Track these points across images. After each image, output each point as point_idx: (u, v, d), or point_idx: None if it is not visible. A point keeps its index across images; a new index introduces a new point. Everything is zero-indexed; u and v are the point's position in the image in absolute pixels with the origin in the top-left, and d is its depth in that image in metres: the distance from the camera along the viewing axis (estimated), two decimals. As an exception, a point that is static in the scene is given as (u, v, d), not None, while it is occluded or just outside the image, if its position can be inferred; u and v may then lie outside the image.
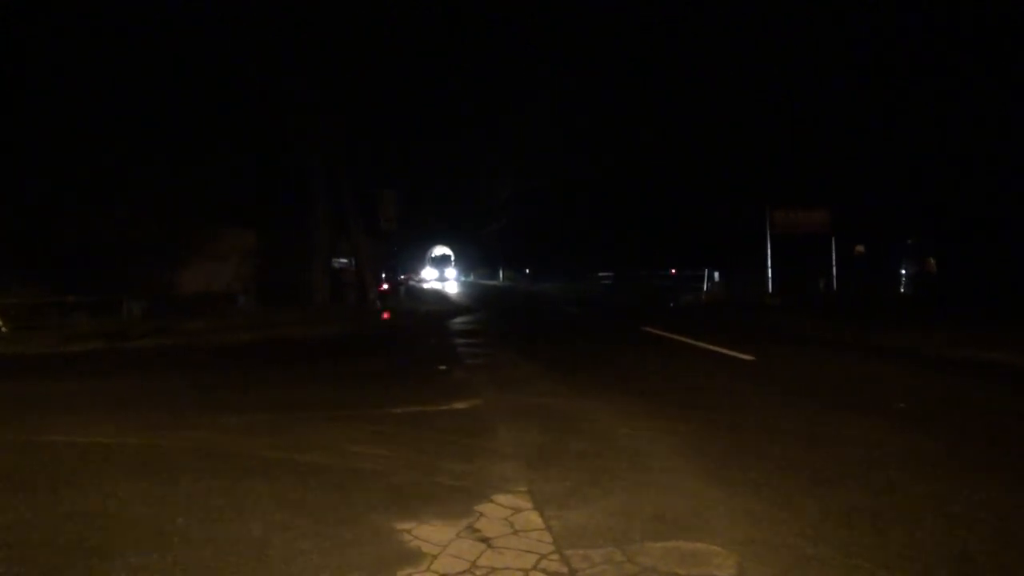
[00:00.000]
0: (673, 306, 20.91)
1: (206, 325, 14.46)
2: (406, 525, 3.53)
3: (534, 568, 3.03)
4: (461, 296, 33.90)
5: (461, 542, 3.33)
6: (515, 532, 3.44)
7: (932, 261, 18.62)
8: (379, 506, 3.81)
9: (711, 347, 10.29)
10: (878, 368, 8.52)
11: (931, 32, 18.38)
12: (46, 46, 18.33)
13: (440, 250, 74.02)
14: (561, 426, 5.63)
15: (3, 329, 14.12)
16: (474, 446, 5.04)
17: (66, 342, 11.68)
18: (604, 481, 4.18)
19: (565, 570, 3.00)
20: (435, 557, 3.15)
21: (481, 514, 3.67)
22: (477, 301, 29.05)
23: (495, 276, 68.52)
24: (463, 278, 71.71)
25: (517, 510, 3.74)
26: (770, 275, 20.71)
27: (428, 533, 3.43)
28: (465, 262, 77.05)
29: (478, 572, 3.00)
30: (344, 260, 26.97)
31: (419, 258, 69.40)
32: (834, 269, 20.36)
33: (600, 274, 46.44)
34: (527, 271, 62.68)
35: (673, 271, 30.11)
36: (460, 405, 6.47)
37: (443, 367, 8.94)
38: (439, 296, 33.23)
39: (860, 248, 19.49)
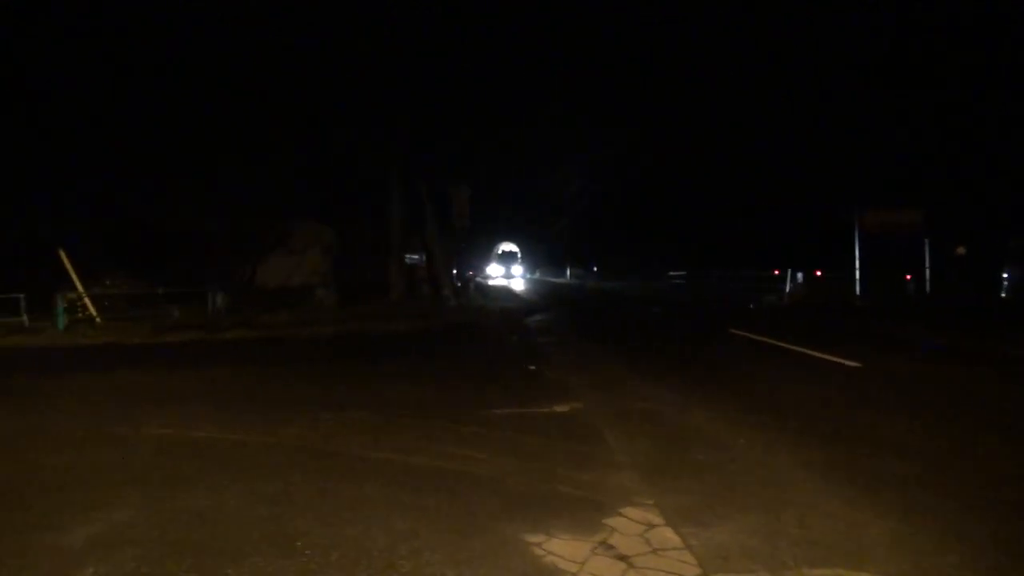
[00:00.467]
0: (754, 307, 20.25)
1: (288, 318, 14.66)
2: (536, 538, 3.34)
3: (686, 594, 2.80)
4: (530, 293, 33.72)
5: (599, 560, 3.13)
6: (653, 551, 3.22)
7: (1039, 264, 17.52)
8: (501, 515, 3.63)
9: (809, 351, 9.80)
10: (1004, 382, 7.93)
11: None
12: (134, 53, 18.96)
13: (507, 247, 74.01)
14: (670, 434, 5.37)
15: (97, 319, 14.61)
16: (584, 453, 4.82)
17: (161, 333, 11.97)
18: (734, 496, 3.91)
19: (721, 598, 2.76)
20: (575, 576, 2.96)
21: (613, 529, 3.46)
22: (548, 298, 28.85)
23: (561, 274, 68.18)
24: (529, 275, 71.60)
25: (649, 525, 3.51)
26: (858, 276, 19.84)
27: (561, 548, 3.23)
28: (531, 259, 76.91)
29: (626, 596, 2.80)
30: (415, 256, 27.15)
31: (485, 254, 69.65)
32: (927, 272, 19.38)
33: (671, 273, 45.62)
34: (594, 269, 62.16)
35: (756, 271, 29.25)
36: (560, 408, 6.27)
37: (532, 367, 8.75)
38: (508, 293, 33.12)
39: (961, 249, 18.48)
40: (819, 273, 22.43)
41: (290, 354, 10.70)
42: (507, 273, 68.30)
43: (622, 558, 3.14)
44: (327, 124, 19.94)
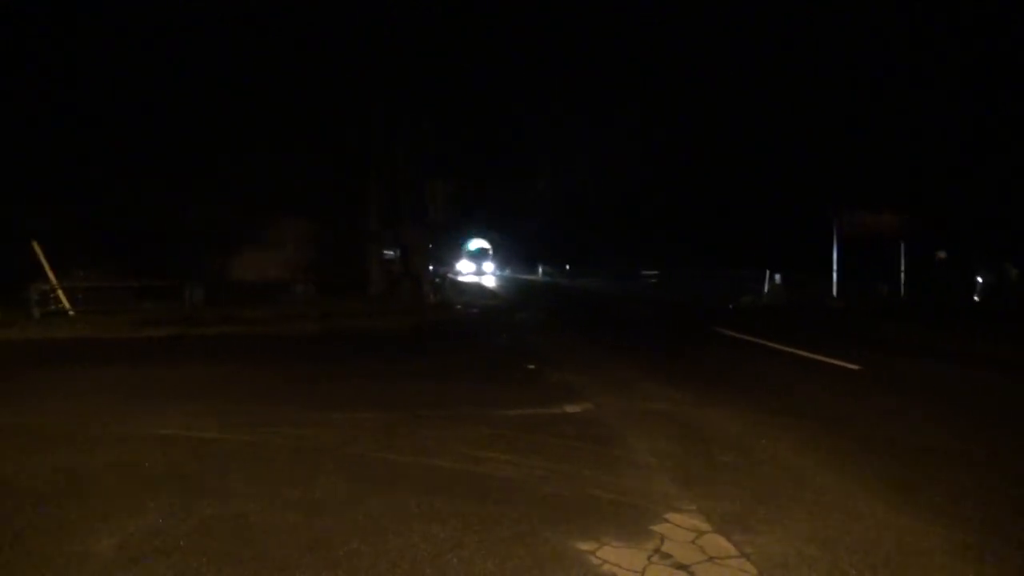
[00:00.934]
0: (733, 307, 20.39)
1: (270, 313, 14.36)
2: (587, 546, 3.24)
3: (760, 606, 2.72)
4: (505, 290, 33.59)
5: (658, 569, 3.03)
6: (710, 559, 3.13)
7: (1012, 268, 17.88)
8: (545, 521, 3.52)
9: (804, 353, 9.85)
10: (1001, 386, 8.02)
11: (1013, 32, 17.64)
12: (104, 40, 18.45)
13: (478, 243, 73.70)
14: (690, 435, 5.30)
15: (70, 312, 14.16)
16: (610, 456, 4.73)
17: (139, 328, 11.62)
18: (776, 501, 3.84)
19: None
20: (641, 587, 2.86)
21: (663, 536, 3.37)
22: (525, 296, 28.78)
23: (532, 271, 68.12)
24: (499, 272, 71.41)
25: (699, 532, 3.43)
26: (835, 279, 20.08)
27: (615, 556, 3.13)
28: (502, 256, 76.68)
29: (698, 608, 2.71)
30: (390, 252, 26.85)
31: (456, 250, 69.22)
32: (902, 275, 19.68)
33: (645, 272, 45.81)
34: (567, 267, 62.22)
35: (732, 270, 29.44)
36: (572, 409, 6.17)
37: (531, 366, 8.64)
38: (483, 290, 32.97)
39: (942, 254, 18.81)
40: (794, 274, 22.64)
41: (281, 351, 10.45)
42: (478, 270, 67.99)
43: (681, 567, 3.05)
44: (306, 116, 19.60)
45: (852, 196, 20.28)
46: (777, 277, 21.23)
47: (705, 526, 3.51)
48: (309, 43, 18.94)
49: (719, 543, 3.31)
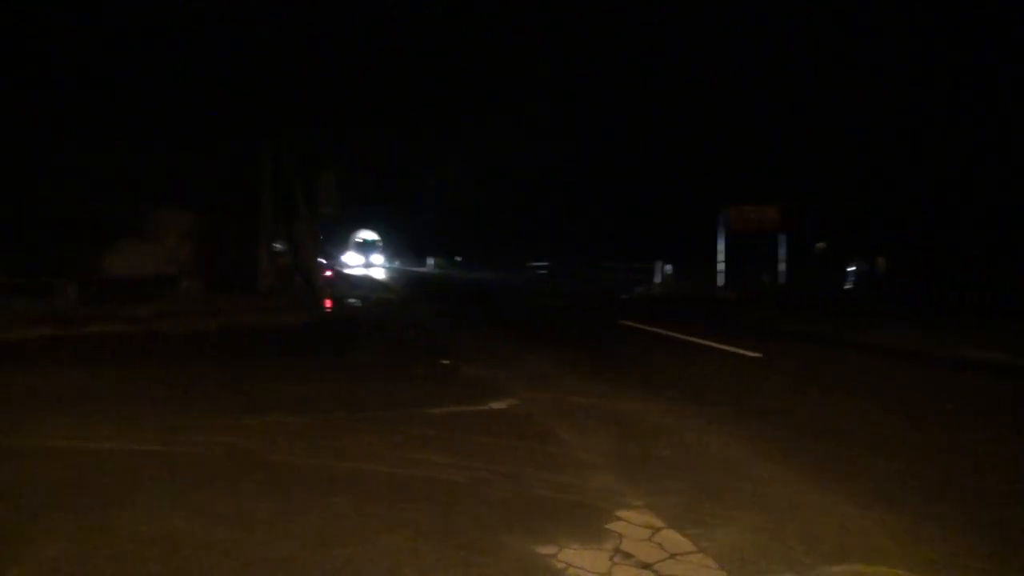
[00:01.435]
0: (626, 298, 20.94)
1: (154, 311, 13.46)
2: (547, 550, 3.16)
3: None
4: (399, 283, 33.13)
5: (623, 569, 3.00)
6: (671, 556, 3.13)
7: (882, 259, 19.30)
8: (498, 526, 3.42)
9: (707, 342, 10.20)
10: (890, 367, 8.58)
11: (884, 30, 18.95)
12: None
13: (366, 234, 72.20)
14: (620, 428, 5.34)
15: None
16: (548, 453, 4.68)
17: (7, 328, 10.58)
18: (720, 493, 3.91)
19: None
20: (614, 590, 2.82)
21: (620, 535, 3.34)
22: (420, 289, 28.47)
23: (423, 263, 67.59)
24: (388, 264, 70.33)
25: (653, 528, 3.43)
26: (722, 269, 20.98)
27: (578, 559, 3.07)
28: (391, 248, 75.51)
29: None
30: (278, 245, 25.84)
31: (342, 242, 67.49)
32: (782, 265, 20.81)
33: (534, 263, 46.37)
34: (458, 259, 62.13)
35: (620, 262, 30.25)
36: (498, 405, 6.08)
37: (446, 361, 8.50)
38: (375, 283, 32.35)
39: (821, 245, 20.00)
40: (683, 265, 23.48)
41: (172, 351, 9.77)
42: (367, 262, 66.63)
43: (645, 566, 3.03)
44: (189, 104, 18.50)
45: (737, 190, 21.22)
46: (668, 268, 21.96)
47: (658, 522, 3.51)
48: (194, 31, 17.85)
49: (675, 539, 3.32)
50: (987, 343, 9.76)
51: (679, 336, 11.08)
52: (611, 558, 3.10)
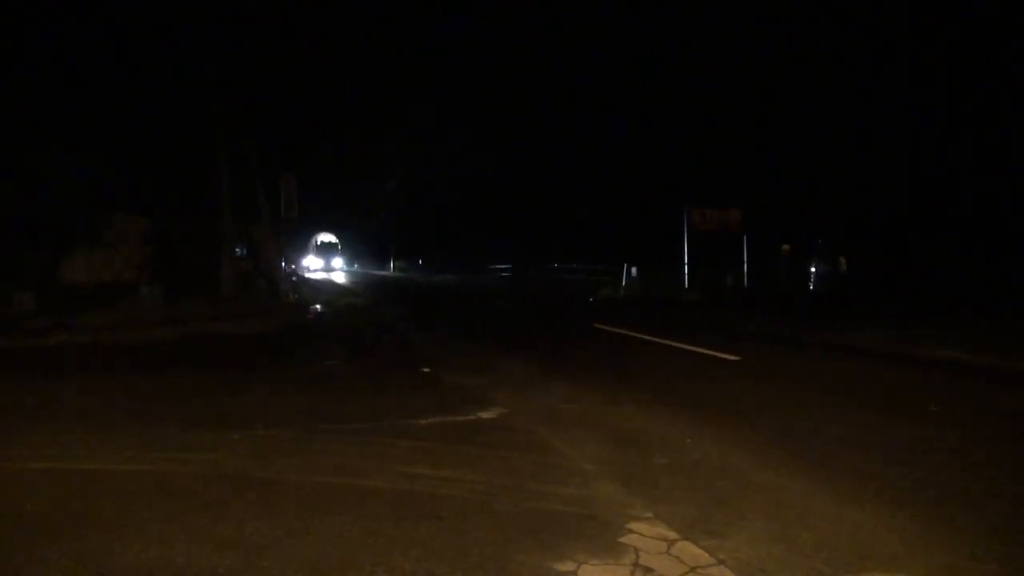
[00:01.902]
0: (593, 300, 21.00)
1: (115, 319, 13.05)
2: (565, 566, 3.10)
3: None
4: (362, 287, 32.74)
5: (647, 586, 2.95)
6: (692, 569, 3.09)
7: (843, 260, 19.71)
8: (511, 543, 3.34)
9: (683, 346, 10.26)
10: (866, 368, 8.70)
11: (843, 34, 19.35)
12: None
13: (326, 237, 71.15)
14: (614, 436, 5.30)
15: None
16: (547, 464, 4.62)
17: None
18: (727, 502, 3.89)
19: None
20: (643, 609, 2.77)
21: (637, 549, 3.29)
22: (385, 293, 28.17)
23: (384, 266, 66.95)
24: (348, 267, 69.45)
25: (668, 541, 3.39)
26: (686, 271, 21.18)
27: (598, 575, 3.02)
28: (351, 251, 74.58)
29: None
30: (238, 249, 25.34)
31: (302, 246, 66.43)
32: (745, 266, 21.09)
33: (497, 266, 46.29)
34: (419, 262, 61.70)
35: (583, 264, 30.37)
36: (486, 415, 6.00)
37: (425, 369, 8.39)
38: (338, 288, 31.97)
39: (786, 247, 20.32)
40: (648, 267, 23.64)
41: (139, 362, 9.45)
42: (327, 266, 65.62)
43: (668, 581, 2.99)
44: (149, 103, 18.04)
45: (702, 193, 21.45)
46: (633, 270, 22.07)
47: (671, 533, 3.47)
48: (153, 35, 17.41)
49: (692, 551, 3.28)
50: (952, 342, 9.97)
51: (654, 339, 11.12)
52: (632, 574, 3.05)
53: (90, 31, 16.82)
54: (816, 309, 16.98)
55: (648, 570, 3.08)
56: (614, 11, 26.79)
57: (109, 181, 18.76)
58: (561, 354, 10.15)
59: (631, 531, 3.49)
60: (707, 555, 3.23)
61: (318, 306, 18.68)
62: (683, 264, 21.27)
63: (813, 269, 20.04)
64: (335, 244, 70.09)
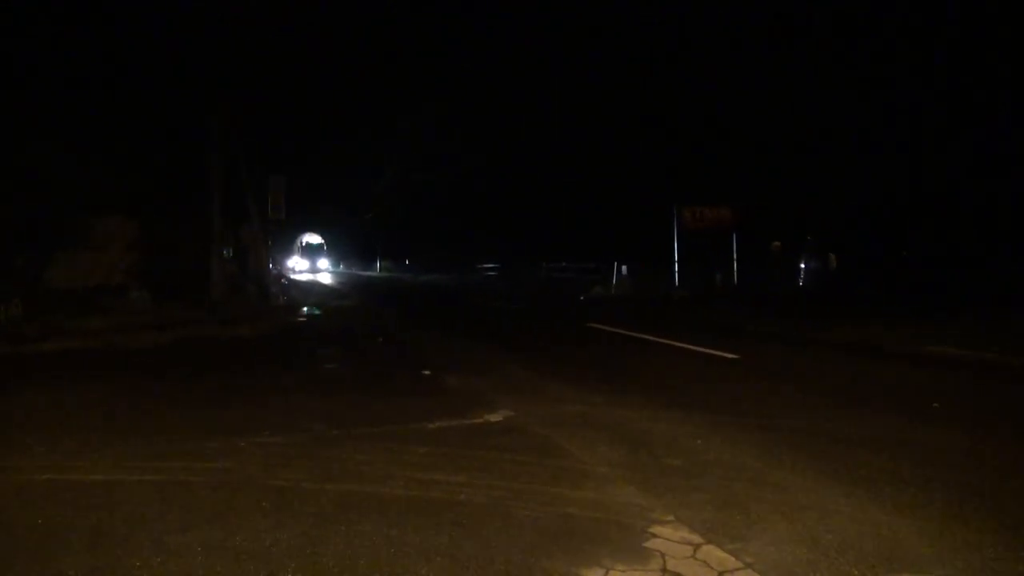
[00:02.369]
0: (584, 299, 21.02)
1: (107, 324, 12.91)
2: (593, 572, 3.08)
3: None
4: (350, 288, 32.58)
5: (678, 592, 2.94)
6: (720, 574, 3.09)
7: (833, 257, 19.86)
8: (536, 549, 3.32)
9: (682, 344, 10.28)
10: (863, 366, 8.76)
11: (834, 33, 19.48)
12: None
13: (311, 238, 70.74)
14: (623, 438, 5.28)
15: None
16: (561, 468, 4.60)
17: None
18: (745, 503, 3.88)
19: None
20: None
21: (662, 553, 3.28)
22: (374, 294, 28.06)
23: (370, 267, 66.75)
24: (335, 269, 69.15)
25: (693, 545, 3.38)
26: (677, 269, 21.24)
27: (629, 582, 3.00)
28: (336, 251, 74.23)
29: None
30: (226, 251, 25.14)
31: (287, 247, 65.97)
32: (735, 264, 21.18)
33: (485, 265, 46.25)
34: (406, 262, 61.55)
35: (572, 263, 30.38)
36: (494, 418, 5.98)
37: (425, 371, 8.34)
38: (326, 289, 31.80)
39: (777, 244, 20.42)
40: (638, 266, 23.70)
41: (136, 367, 9.32)
42: (313, 267, 65.30)
43: (698, 586, 2.98)
44: (136, 107, 17.84)
45: (692, 191, 21.52)
46: (624, 269, 22.11)
47: (695, 537, 3.46)
48: (140, 34, 17.22)
49: (718, 555, 3.27)
50: (946, 337, 10.06)
51: (650, 338, 11.13)
52: (662, 580, 3.03)
53: (76, 29, 16.59)
54: (807, 306, 17.06)
55: (677, 575, 3.07)
56: (604, 9, 26.83)
57: (96, 182, 18.52)
58: (559, 354, 10.14)
59: (655, 535, 3.48)
60: (733, 559, 3.22)
61: (308, 308, 18.58)
62: (673, 262, 21.31)
63: (803, 266, 20.20)
64: (321, 245, 69.75)
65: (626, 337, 11.66)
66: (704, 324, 13.63)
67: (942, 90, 18.28)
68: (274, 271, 28.49)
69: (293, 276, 46.26)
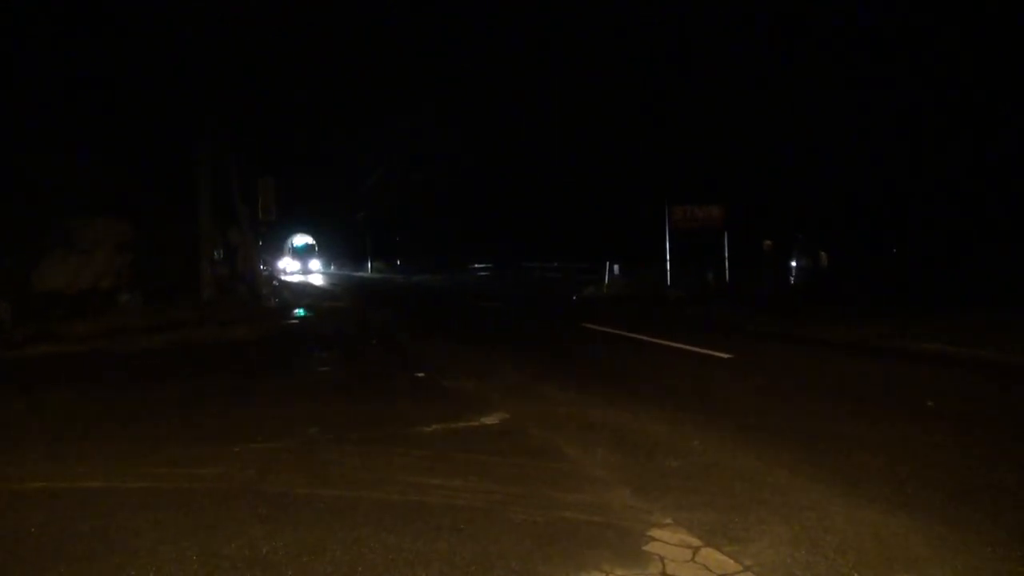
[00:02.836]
0: (577, 299, 21.03)
1: (98, 328, 12.81)
2: (594, 578, 3.07)
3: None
4: (342, 290, 32.47)
5: (679, 596, 2.93)
6: (721, 578, 3.08)
7: (824, 255, 19.92)
8: (535, 555, 3.30)
9: (676, 344, 10.29)
10: (860, 365, 8.78)
11: (820, 27, 19.54)
12: None
13: (302, 239, 70.46)
14: (621, 440, 5.28)
15: None
16: (559, 471, 4.58)
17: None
18: (744, 506, 3.88)
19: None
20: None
21: (662, 557, 3.27)
22: (367, 295, 27.98)
23: (361, 267, 66.57)
24: (326, 270, 68.91)
25: (692, 548, 3.37)
26: (668, 269, 21.27)
27: (629, 587, 2.99)
28: (327, 252, 73.97)
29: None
30: (216, 253, 25.02)
31: (277, 248, 65.71)
32: (727, 263, 21.23)
33: (476, 266, 46.21)
34: (398, 262, 61.43)
35: (563, 263, 30.39)
36: (488, 420, 5.96)
37: (419, 374, 8.31)
38: (318, 291, 31.67)
39: (769, 243, 20.48)
40: (630, 265, 23.73)
41: (128, 371, 9.26)
42: (304, 268, 65.03)
43: (699, 591, 2.97)
44: (125, 104, 17.73)
45: (684, 190, 21.55)
46: (616, 268, 22.13)
47: (693, 540, 3.45)
48: (131, 35, 17.10)
49: (717, 558, 3.27)
50: (938, 335, 10.11)
51: (644, 338, 11.14)
52: (662, 584, 3.02)
53: (67, 30, 16.47)
54: (798, 305, 17.11)
55: (677, 579, 3.06)
56: (595, 9, 26.85)
57: (85, 184, 18.41)
58: (553, 355, 10.13)
59: (653, 539, 3.47)
60: (732, 562, 3.22)
61: (301, 310, 18.51)
62: (665, 261, 21.34)
63: (794, 264, 20.28)
64: (312, 246, 69.41)
65: (620, 337, 11.66)
66: (696, 323, 13.66)
67: (933, 88, 18.37)
68: (265, 273, 28.41)
69: (284, 277, 46.10)
